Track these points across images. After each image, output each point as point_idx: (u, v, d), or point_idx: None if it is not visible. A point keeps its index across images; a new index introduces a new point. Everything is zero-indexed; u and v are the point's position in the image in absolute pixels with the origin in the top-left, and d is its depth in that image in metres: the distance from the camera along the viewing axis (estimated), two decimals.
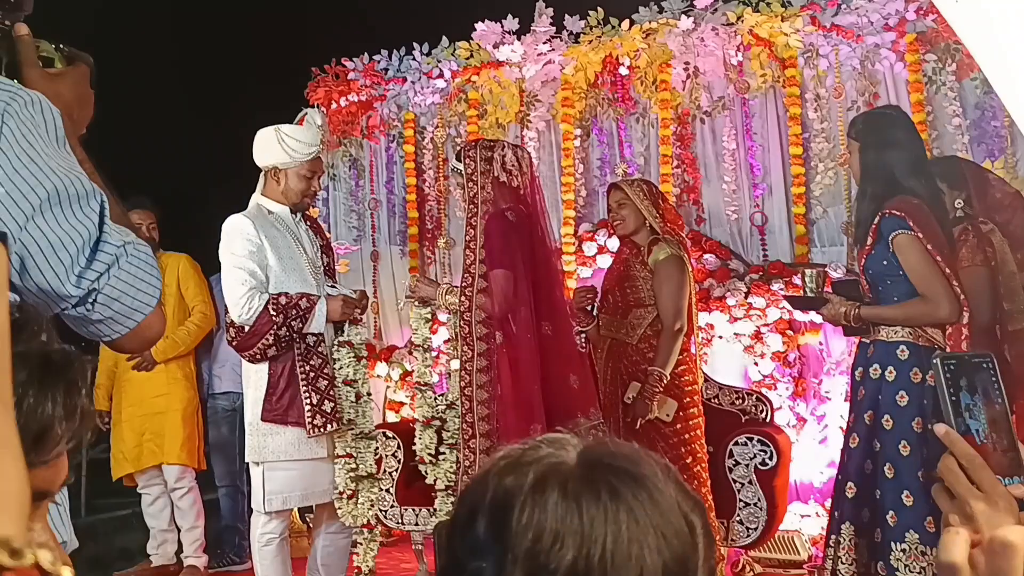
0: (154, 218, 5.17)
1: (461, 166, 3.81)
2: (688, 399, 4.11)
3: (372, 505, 3.79)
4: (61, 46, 1.47)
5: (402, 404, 5.82)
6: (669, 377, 4.04)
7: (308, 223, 3.89)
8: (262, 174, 3.79)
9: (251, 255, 3.62)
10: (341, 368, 3.70)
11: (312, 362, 3.64)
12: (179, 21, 6.43)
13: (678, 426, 4.07)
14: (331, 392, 3.64)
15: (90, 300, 1.28)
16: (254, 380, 3.72)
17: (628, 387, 4.10)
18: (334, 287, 3.85)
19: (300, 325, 3.61)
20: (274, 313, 3.56)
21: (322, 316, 3.64)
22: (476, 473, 0.93)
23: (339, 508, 3.73)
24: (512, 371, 3.69)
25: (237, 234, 3.64)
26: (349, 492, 3.71)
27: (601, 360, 4.27)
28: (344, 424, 3.69)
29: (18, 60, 1.39)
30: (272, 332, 3.57)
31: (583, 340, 4.36)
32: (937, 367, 1.08)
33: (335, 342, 3.73)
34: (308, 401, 3.61)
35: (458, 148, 4.23)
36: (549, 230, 3.98)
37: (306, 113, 3.82)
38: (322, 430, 3.61)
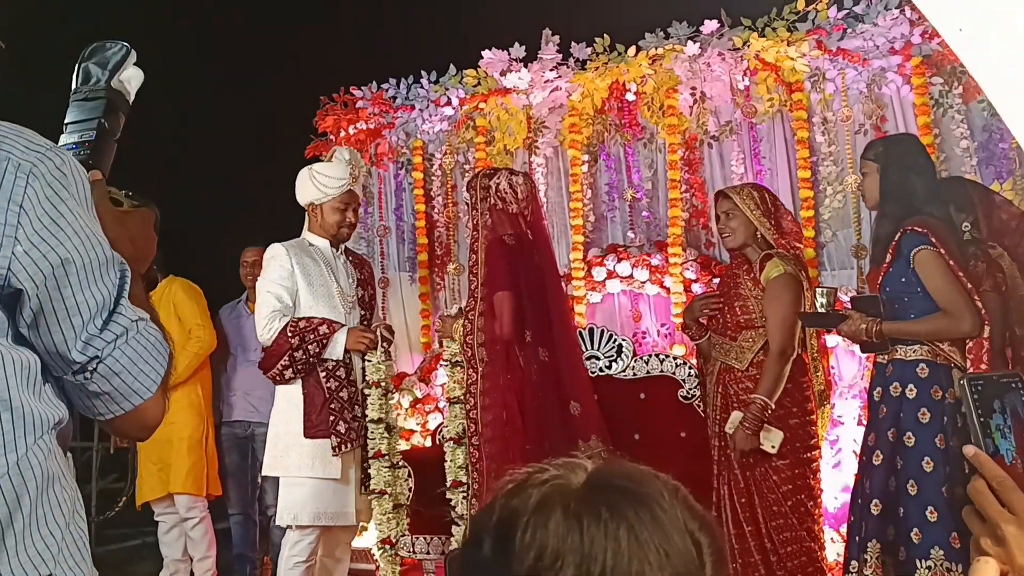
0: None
1: (468, 196, 4.01)
2: (810, 428, 3.82)
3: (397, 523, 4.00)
4: (129, 193, 1.56)
5: (412, 432, 5.79)
6: (774, 406, 3.71)
7: (350, 257, 4.17)
8: (306, 212, 4.08)
9: (281, 280, 3.88)
10: (371, 408, 3.89)
11: (330, 384, 3.84)
12: (189, 50, 6.47)
13: (800, 460, 3.78)
14: (344, 414, 3.82)
15: (90, 369, 1.27)
16: (283, 396, 3.92)
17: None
18: (365, 317, 4.05)
19: (317, 349, 3.82)
20: (291, 335, 3.81)
21: (340, 345, 3.85)
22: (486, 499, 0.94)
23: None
24: (513, 395, 3.71)
25: (272, 261, 3.93)
26: (388, 537, 3.99)
27: (711, 383, 4.03)
28: (364, 451, 3.89)
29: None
30: (289, 353, 3.80)
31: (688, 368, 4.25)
32: (965, 388, 1.08)
33: (364, 382, 3.92)
34: (331, 421, 3.81)
35: (466, 179, 4.37)
36: (554, 255, 4.07)
37: (335, 151, 4.11)
38: (338, 450, 3.79)
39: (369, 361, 3.92)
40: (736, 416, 3.76)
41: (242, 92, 6.47)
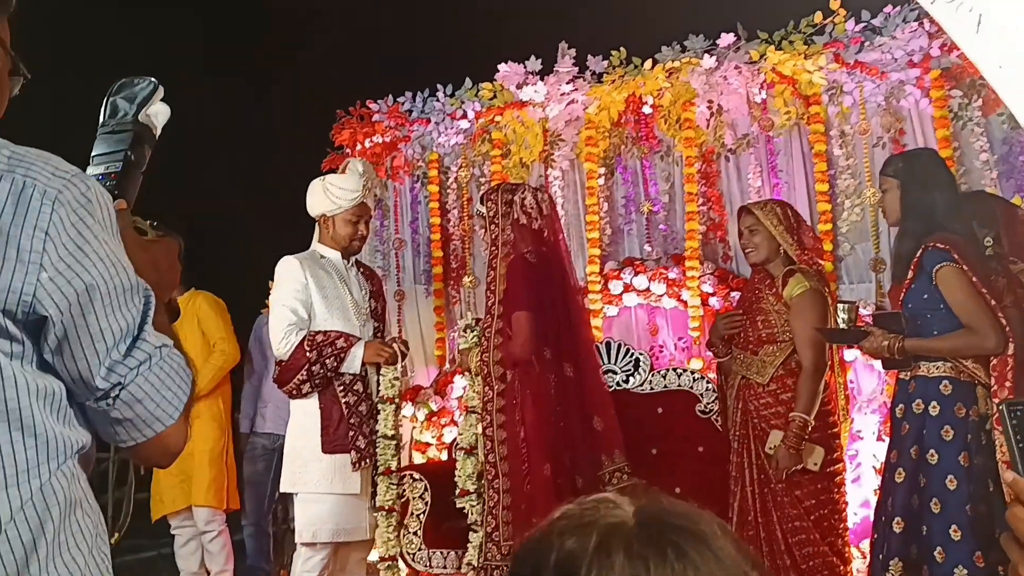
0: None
1: (484, 209, 3.94)
2: (833, 443, 3.83)
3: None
4: (155, 223, 1.55)
5: (428, 445, 5.78)
6: (813, 423, 3.72)
7: (361, 269, 4.16)
8: (316, 223, 4.06)
9: (296, 294, 3.86)
10: (383, 424, 3.88)
11: (348, 399, 3.83)
12: (208, 65, 6.50)
13: (823, 476, 3.77)
14: (364, 429, 3.82)
15: (113, 395, 1.27)
16: (300, 411, 3.91)
17: (755, 430, 3.86)
18: (378, 329, 4.04)
19: (335, 363, 3.80)
20: (308, 348, 3.79)
21: (358, 358, 3.83)
22: (532, 533, 0.93)
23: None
24: (532, 411, 3.71)
25: (285, 274, 3.91)
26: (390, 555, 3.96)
27: (731, 399, 4.04)
28: (376, 468, 3.87)
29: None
30: (306, 367, 3.78)
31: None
32: (1004, 414, 1.06)
33: (378, 397, 3.90)
34: (351, 436, 3.81)
35: (482, 192, 4.33)
36: (572, 271, 4.05)
37: (348, 162, 4.10)
38: (357, 466, 3.79)
39: (384, 376, 3.91)
40: (776, 435, 3.76)
41: (260, 105, 6.50)
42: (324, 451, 3.77)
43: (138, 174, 1.55)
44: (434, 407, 5.79)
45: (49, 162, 1.26)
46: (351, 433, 3.79)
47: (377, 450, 3.86)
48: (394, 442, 3.89)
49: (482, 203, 4.01)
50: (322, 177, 4.06)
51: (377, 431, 3.87)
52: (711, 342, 4.18)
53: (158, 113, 1.58)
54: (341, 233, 3.98)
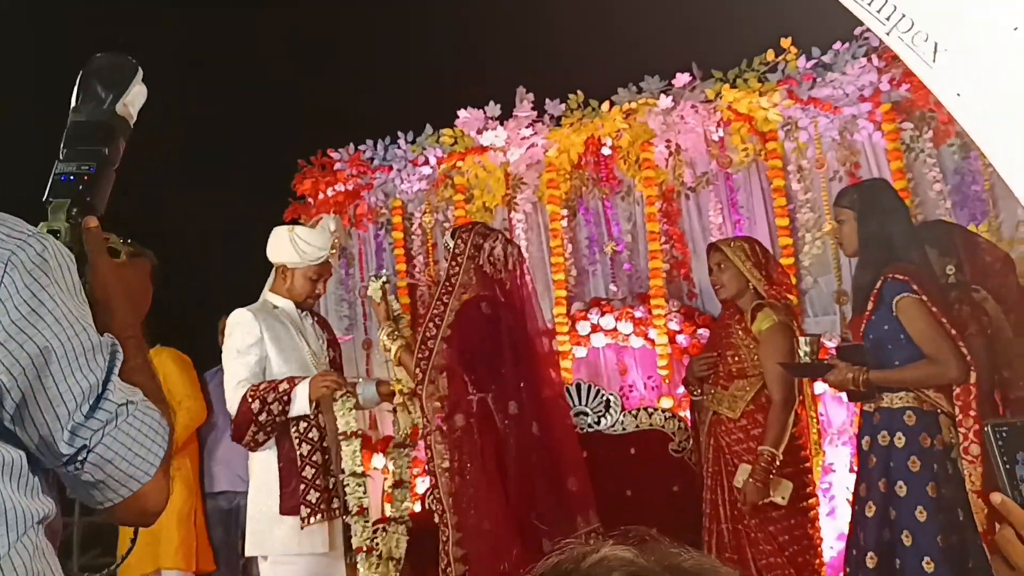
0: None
1: (451, 244, 3.88)
2: (805, 477, 3.83)
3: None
4: (128, 240, 1.50)
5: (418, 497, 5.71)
6: (782, 457, 3.72)
7: (314, 318, 3.97)
8: (273, 269, 3.89)
9: (248, 349, 3.68)
10: (345, 461, 3.67)
11: (302, 448, 3.62)
12: (165, 116, 6.48)
13: (795, 511, 3.77)
14: (316, 482, 3.59)
15: (80, 459, 1.22)
16: (259, 469, 3.70)
17: (728, 465, 3.85)
18: None
19: (280, 407, 3.58)
20: (251, 399, 3.58)
21: (304, 396, 3.60)
22: None
23: None
24: (491, 461, 3.63)
25: (238, 327, 3.72)
26: None
27: (703, 435, 4.04)
28: (339, 515, 3.65)
29: (87, 249, 1.41)
30: (253, 419, 3.57)
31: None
32: (989, 435, 1.07)
33: (338, 436, 3.69)
34: (301, 491, 3.58)
35: (454, 227, 4.27)
36: (537, 331, 3.95)
37: (321, 218, 3.94)
38: (306, 522, 3.55)
39: (338, 411, 3.68)
40: (745, 469, 3.76)
41: (219, 157, 6.47)
42: (281, 512, 3.56)
43: (111, 173, 1.49)
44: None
45: (4, 223, 1.23)
46: (303, 487, 3.57)
47: (346, 491, 3.64)
48: (362, 480, 3.65)
49: (452, 236, 3.94)
50: (290, 227, 3.90)
51: (343, 471, 3.66)
52: (688, 382, 4.19)
53: (136, 98, 1.51)
54: (298, 288, 3.81)
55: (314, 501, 3.57)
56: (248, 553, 3.75)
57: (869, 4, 3.01)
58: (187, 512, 5.02)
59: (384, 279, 3.94)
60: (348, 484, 3.64)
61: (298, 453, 3.61)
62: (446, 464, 3.64)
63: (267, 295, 3.88)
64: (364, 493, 3.67)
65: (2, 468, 1.20)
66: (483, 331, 3.73)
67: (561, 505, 3.66)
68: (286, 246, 3.80)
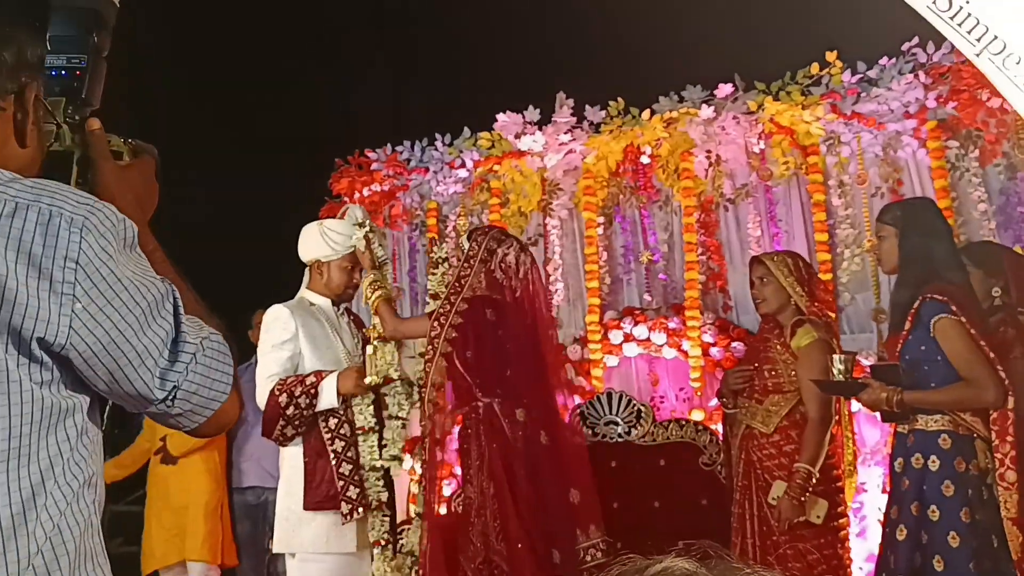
0: None
1: (466, 246, 3.89)
2: (837, 497, 3.78)
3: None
4: (129, 139, 1.50)
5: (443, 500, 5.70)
6: (818, 475, 3.68)
7: (350, 316, 4.00)
8: (307, 269, 3.91)
9: (283, 344, 3.71)
10: (364, 455, 3.67)
11: (334, 446, 3.64)
12: (204, 114, 6.54)
13: (826, 530, 3.72)
14: (355, 477, 3.62)
15: (171, 397, 1.31)
16: (289, 465, 3.72)
17: (759, 480, 3.80)
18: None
19: (308, 401, 3.59)
20: (278, 393, 3.60)
21: (331, 391, 3.60)
22: None
23: None
24: (499, 465, 3.61)
25: (274, 322, 3.75)
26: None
27: (734, 448, 4.00)
28: (371, 511, 3.65)
29: (91, 153, 1.42)
30: (281, 414, 3.59)
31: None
32: None
33: (356, 431, 3.71)
34: (340, 484, 3.60)
35: (473, 228, 4.25)
36: (545, 338, 3.92)
37: (347, 208, 3.97)
38: (348, 518, 3.58)
39: (357, 407, 3.67)
40: (780, 485, 3.72)
41: (257, 154, 6.51)
42: (305, 508, 3.56)
43: (103, 64, 1.46)
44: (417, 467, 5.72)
45: (71, 191, 1.28)
46: (341, 484, 3.58)
47: (364, 485, 3.63)
48: (379, 473, 3.65)
49: (468, 239, 3.94)
50: (319, 221, 3.94)
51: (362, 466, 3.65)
52: (722, 394, 4.15)
53: None
54: (336, 280, 3.83)
55: (354, 497, 3.59)
56: (276, 550, 3.76)
57: (960, 25, 2.98)
58: (214, 506, 5.04)
59: (368, 227, 3.88)
60: (368, 479, 3.65)
61: (331, 450, 3.62)
62: (470, 473, 3.64)
63: (304, 293, 3.90)
64: (383, 487, 3.67)
65: (61, 415, 1.24)
66: (487, 335, 3.71)
67: (563, 517, 3.63)
68: (317, 240, 3.83)
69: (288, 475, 3.71)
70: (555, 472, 3.67)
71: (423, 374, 3.73)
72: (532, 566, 3.51)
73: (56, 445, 1.23)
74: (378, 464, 3.66)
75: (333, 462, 3.62)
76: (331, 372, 3.64)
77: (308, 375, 3.63)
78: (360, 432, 3.68)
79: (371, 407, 3.69)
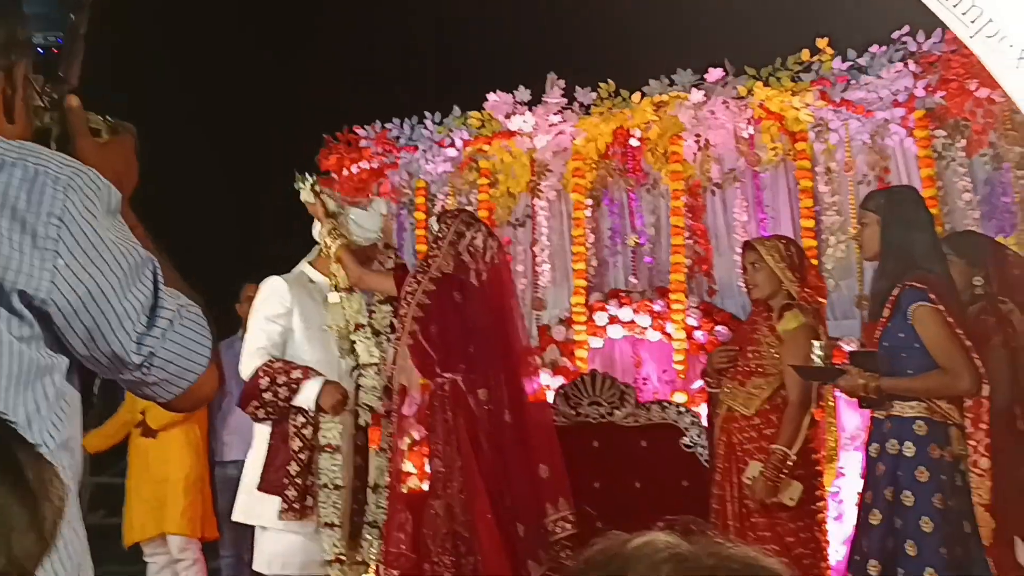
0: None
1: (436, 228, 3.92)
2: (815, 480, 3.80)
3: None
4: (107, 117, 1.50)
5: (410, 475, 5.73)
6: (795, 457, 3.68)
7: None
8: (317, 245, 3.89)
9: (276, 318, 3.70)
10: (323, 473, 3.63)
11: (293, 443, 3.61)
12: (192, 89, 6.51)
13: (803, 512, 3.73)
14: (297, 481, 3.57)
15: (146, 364, 1.32)
16: (259, 440, 3.74)
17: (739, 462, 3.83)
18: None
19: (287, 394, 3.59)
20: (262, 375, 3.60)
21: (311, 393, 3.59)
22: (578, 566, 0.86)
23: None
24: (464, 437, 3.67)
25: (271, 295, 3.74)
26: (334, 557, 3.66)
27: (716, 430, 4.03)
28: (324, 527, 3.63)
29: (69, 131, 1.43)
30: (258, 395, 3.60)
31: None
32: None
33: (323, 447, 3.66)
34: (285, 481, 3.58)
35: (441, 211, 4.29)
36: (511, 316, 3.95)
37: (373, 201, 3.98)
38: (286, 515, 3.55)
39: (323, 421, 3.63)
40: (755, 466, 3.74)
41: (245, 129, 6.49)
42: (258, 488, 3.57)
43: (81, 43, 1.47)
44: (416, 436, 5.74)
45: (54, 153, 1.30)
46: (284, 480, 3.55)
47: (319, 501, 3.61)
48: (340, 493, 3.62)
49: (437, 221, 3.98)
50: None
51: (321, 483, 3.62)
52: (707, 373, 4.17)
53: None
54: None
55: (292, 498, 3.55)
56: (234, 518, 3.79)
57: (955, 6, 2.99)
58: (194, 478, 5.04)
59: (312, 180, 3.90)
60: (327, 496, 3.61)
61: (289, 445, 3.60)
62: (408, 442, 3.68)
63: (305, 268, 3.89)
64: (339, 508, 3.63)
65: (39, 373, 1.25)
66: (452, 313, 3.74)
67: (532, 492, 3.69)
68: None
69: (258, 449, 3.71)
70: (521, 449, 3.72)
71: (392, 349, 3.76)
72: (497, 539, 3.56)
73: (34, 402, 1.24)
74: (339, 483, 3.63)
75: (290, 457, 3.60)
76: (318, 376, 3.62)
77: (296, 368, 3.62)
78: (327, 450, 3.64)
79: (339, 425, 3.65)
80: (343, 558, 3.66)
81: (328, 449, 3.63)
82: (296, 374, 3.60)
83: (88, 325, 1.27)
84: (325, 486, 3.60)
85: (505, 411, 3.73)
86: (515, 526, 3.62)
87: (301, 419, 3.61)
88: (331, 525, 3.62)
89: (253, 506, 3.66)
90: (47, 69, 1.43)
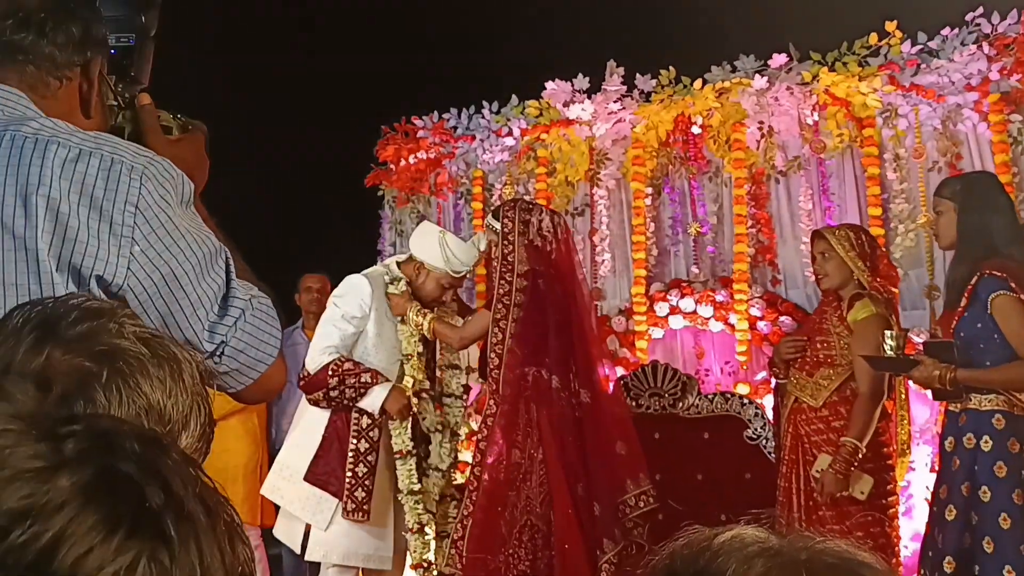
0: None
1: (498, 225, 3.88)
2: (887, 474, 3.73)
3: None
4: (178, 115, 1.54)
5: (467, 464, 5.72)
6: (865, 450, 3.62)
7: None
8: (409, 255, 3.93)
9: (352, 319, 3.74)
10: (401, 479, 3.73)
11: (360, 444, 3.67)
12: (251, 78, 6.55)
13: (873, 507, 3.68)
14: (366, 482, 3.64)
15: (218, 353, 1.35)
16: (307, 424, 3.81)
17: (806, 454, 3.78)
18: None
19: (354, 395, 3.65)
20: (332, 373, 3.65)
21: (378, 399, 3.65)
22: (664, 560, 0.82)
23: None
24: (549, 434, 3.65)
25: (353, 293, 3.78)
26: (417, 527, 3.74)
27: (783, 421, 3.98)
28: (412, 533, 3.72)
29: (141, 128, 1.47)
30: (325, 391, 3.66)
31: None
32: None
33: (394, 454, 3.75)
34: (349, 481, 3.63)
35: (495, 207, 4.30)
36: (583, 297, 3.98)
37: (479, 236, 4.03)
38: (350, 515, 3.62)
39: (393, 429, 3.71)
40: (825, 459, 3.67)
41: (303, 119, 6.52)
42: (305, 478, 3.65)
43: (151, 43, 1.50)
44: (474, 426, 5.73)
45: (131, 144, 1.34)
46: (351, 483, 3.62)
47: (405, 508, 3.72)
48: (420, 497, 3.71)
49: (495, 218, 3.95)
50: (443, 230, 3.94)
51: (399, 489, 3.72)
52: (773, 363, 4.11)
53: None
54: (428, 289, 3.83)
55: (360, 499, 3.62)
56: (262, 492, 3.93)
57: None
58: (253, 466, 5.07)
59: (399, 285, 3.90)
60: (406, 502, 3.70)
61: (352, 446, 3.67)
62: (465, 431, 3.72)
63: (392, 267, 3.92)
64: (423, 510, 3.71)
65: None
66: (544, 306, 3.76)
67: (609, 470, 3.70)
68: (433, 248, 3.81)
69: (305, 432, 3.79)
70: (599, 428, 3.73)
71: (493, 357, 3.76)
72: (576, 534, 3.56)
73: None
74: (416, 487, 3.70)
75: (350, 458, 3.65)
76: (386, 382, 3.68)
77: (366, 371, 3.66)
78: (398, 456, 3.72)
79: (408, 431, 3.71)
80: (426, 563, 3.76)
81: (399, 455, 3.70)
82: (365, 378, 3.65)
83: (162, 311, 1.29)
84: (409, 492, 3.69)
85: (582, 391, 3.74)
86: (592, 506, 3.64)
87: (367, 420, 3.68)
88: (420, 529, 3.71)
89: (278, 486, 3.78)
90: (119, 69, 1.46)
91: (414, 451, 3.73)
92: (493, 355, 3.74)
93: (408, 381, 3.78)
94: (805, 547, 0.78)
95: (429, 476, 3.83)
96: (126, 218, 1.26)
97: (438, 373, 4.00)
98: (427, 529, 3.80)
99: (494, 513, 3.70)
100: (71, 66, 1.36)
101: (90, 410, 0.82)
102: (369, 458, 3.66)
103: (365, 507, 3.61)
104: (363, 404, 3.66)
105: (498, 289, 3.79)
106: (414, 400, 3.75)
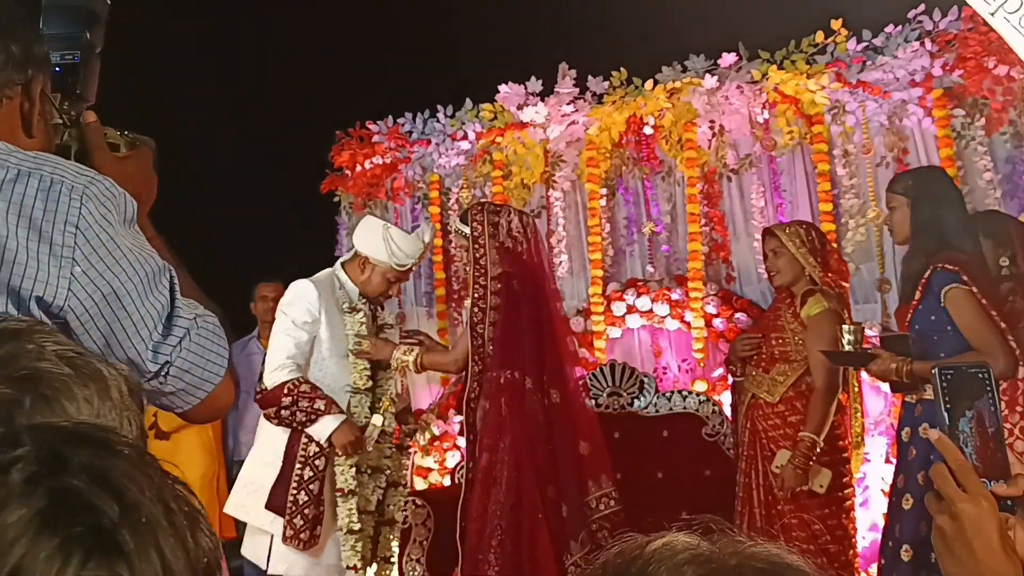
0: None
1: (467, 229, 3.84)
2: (843, 467, 3.77)
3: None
4: (126, 132, 1.52)
5: (430, 470, 5.72)
6: (823, 444, 3.67)
7: (374, 306, 3.91)
8: (354, 251, 3.84)
9: (304, 325, 3.66)
10: (340, 516, 3.61)
11: (305, 472, 3.58)
12: (204, 83, 6.47)
13: (830, 500, 3.73)
14: (305, 511, 3.55)
15: (163, 373, 1.33)
16: (266, 441, 3.71)
17: (764, 450, 3.81)
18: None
19: (304, 419, 3.56)
20: (286, 392, 3.56)
21: (326, 429, 3.55)
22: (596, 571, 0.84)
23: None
24: (520, 434, 3.64)
25: (300, 300, 3.69)
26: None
27: (740, 417, 4.01)
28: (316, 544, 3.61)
29: (88, 146, 1.45)
30: (277, 408, 3.58)
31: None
32: (935, 376, 1.17)
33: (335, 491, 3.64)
34: (290, 506, 3.55)
35: (463, 211, 4.28)
36: (553, 295, 3.99)
37: (424, 228, 3.92)
38: (287, 542, 3.53)
39: (338, 466, 3.59)
40: (784, 454, 3.72)
41: (256, 126, 6.45)
42: (266, 505, 3.55)
43: (97, 60, 1.49)
44: (436, 431, 5.73)
45: (72, 164, 1.32)
46: (292, 509, 3.52)
47: (342, 545, 3.59)
48: (359, 536, 3.59)
49: (463, 222, 3.91)
50: (387, 225, 3.83)
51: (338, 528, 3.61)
52: (730, 361, 4.15)
53: None
54: (374, 284, 3.75)
55: (298, 526, 3.53)
56: (226, 510, 3.80)
57: None
58: (209, 478, 5.02)
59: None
60: (345, 542, 3.59)
61: (296, 472, 3.57)
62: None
63: (338, 271, 3.83)
64: (358, 551, 3.60)
65: None
66: (520, 307, 3.75)
67: (574, 471, 3.68)
68: (377, 242, 3.72)
69: (266, 448, 3.68)
70: (566, 428, 3.71)
71: (477, 362, 3.72)
72: (545, 537, 3.55)
73: None
74: (355, 527, 3.59)
75: (294, 484, 3.56)
76: (339, 415, 3.58)
77: (320, 398, 3.55)
78: (339, 494, 3.60)
79: (352, 469, 3.61)
80: None
81: (340, 493, 3.58)
82: (319, 404, 3.54)
83: (105, 332, 1.28)
84: (348, 531, 3.58)
85: (552, 391, 3.72)
86: (560, 507, 3.62)
87: (314, 448, 3.58)
88: (355, 568, 3.61)
89: (244, 503, 3.69)
90: (65, 87, 1.45)
91: (356, 491, 3.61)
92: (476, 359, 3.72)
93: (377, 420, 3.70)
94: (735, 552, 0.79)
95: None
96: (66, 239, 1.24)
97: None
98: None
99: (453, 516, 3.71)
100: (11, 85, 1.34)
101: None
102: (311, 487, 3.55)
103: (303, 535, 3.51)
104: (311, 431, 3.56)
105: (472, 294, 3.77)
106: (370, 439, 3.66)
